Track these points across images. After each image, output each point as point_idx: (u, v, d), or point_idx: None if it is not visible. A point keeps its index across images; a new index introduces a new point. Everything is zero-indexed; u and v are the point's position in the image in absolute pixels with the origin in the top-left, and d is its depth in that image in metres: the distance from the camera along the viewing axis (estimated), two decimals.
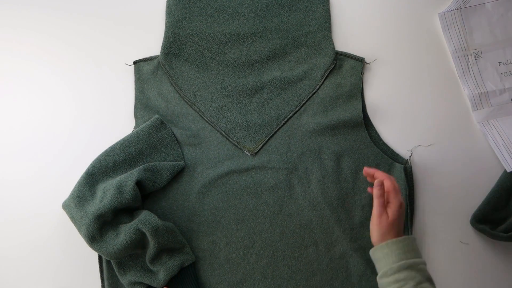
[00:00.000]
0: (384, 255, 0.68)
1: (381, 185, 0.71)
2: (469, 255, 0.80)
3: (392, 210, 0.70)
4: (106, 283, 0.78)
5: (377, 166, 0.80)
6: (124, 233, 0.71)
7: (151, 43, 0.87)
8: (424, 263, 0.68)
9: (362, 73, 0.84)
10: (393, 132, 0.84)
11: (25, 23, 0.90)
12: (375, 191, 0.71)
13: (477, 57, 0.86)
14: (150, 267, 0.75)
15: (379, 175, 0.73)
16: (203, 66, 0.85)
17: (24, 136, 0.85)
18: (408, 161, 0.81)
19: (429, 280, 0.66)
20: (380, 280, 0.68)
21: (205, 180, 0.81)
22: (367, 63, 0.86)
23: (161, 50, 0.86)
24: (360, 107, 0.83)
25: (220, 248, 0.79)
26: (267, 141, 0.82)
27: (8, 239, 0.82)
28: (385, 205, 0.70)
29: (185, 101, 0.84)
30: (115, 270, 0.75)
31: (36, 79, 0.88)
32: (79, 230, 0.72)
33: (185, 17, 0.87)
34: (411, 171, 0.80)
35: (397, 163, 0.80)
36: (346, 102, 0.83)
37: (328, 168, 0.81)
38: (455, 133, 0.84)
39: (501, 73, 0.85)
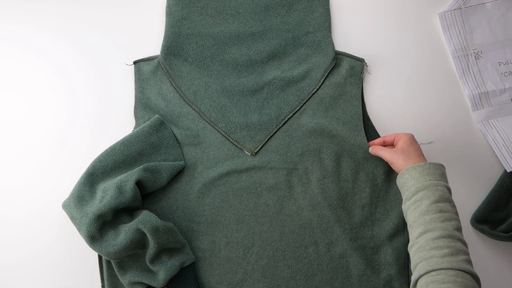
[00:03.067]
0: (404, 181, 0.69)
1: (374, 145, 0.78)
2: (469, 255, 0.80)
3: (402, 141, 0.73)
4: (106, 283, 0.78)
5: (377, 167, 0.80)
6: (124, 233, 0.71)
7: (151, 43, 0.88)
8: (445, 186, 0.66)
9: (361, 73, 0.84)
10: (393, 132, 0.84)
11: (24, 23, 0.90)
12: (378, 148, 0.76)
13: (477, 57, 0.86)
14: (150, 267, 0.75)
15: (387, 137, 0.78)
16: (203, 66, 0.85)
17: (24, 136, 0.85)
18: None
19: (448, 200, 0.65)
20: (403, 206, 0.69)
21: (205, 180, 0.81)
22: (366, 65, 0.86)
23: (161, 50, 0.86)
24: (360, 107, 0.83)
25: (220, 248, 0.79)
26: (267, 141, 0.82)
27: (8, 239, 0.82)
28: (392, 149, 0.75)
29: (185, 101, 0.84)
30: (115, 270, 0.75)
31: (36, 79, 0.88)
32: (79, 230, 0.72)
33: (185, 17, 0.87)
34: None
35: None
36: (345, 102, 0.83)
37: (328, 168, 0.81)
38: (455, 133, 0.84)
39: (501, 73, 0.85)
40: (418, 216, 0.64)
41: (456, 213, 0.65)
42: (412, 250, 0.63)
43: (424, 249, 0.61)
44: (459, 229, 0.63)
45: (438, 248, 0.60)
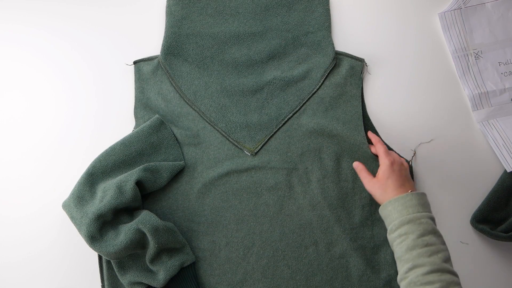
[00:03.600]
0: (388, 213, 0.69)
1: (360, 163, 0.78)
2: (469, 255, 0.80)
3: (381, 170, 0.73)
4: (106, 283, 0.78)
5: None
6: (124, 233, 0.71)
7: (151, 43, 0.88)
8: (429, 217, 0.67)
9: (361, 73, 0.84)
10: (393, 132, 0.84)
11: (24, 23, 0.90)
12: (363, 171, 0.76)
13: (477, 57, 0.86)
14: (150, 267, 0.75)
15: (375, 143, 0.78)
16: (203, 66, 0.85)
17: (24, 137, 0.85)
18: (411, 162, 0.81)
19: (433, 232, 0.65)
20: (388, 237, 0.69)
21: (205, 180, 0.81)
22: (366, 65, 0.86)
23: (161, 50, 0.86)
24: (360, 107, 0.83)
25: (220, 248, 0.79)
26: (267, 141, 0.82)
27: (8, 239, 0.82)
28: (369, 172, 0.76)
29: (185, 101, 0.84)
30: (115, 270, 0.75)
31: (36, 79, 0.88)
32: (79, 230, 0.72)
33: (185, 17, 0.87)
34: (411, 170, 0.81)
35: None
36: (345, 102, 0.83)
37: (328, 168, 0.80)
38: (455, 133, 0.84)
39: (501, 73, 0.85)
40: (405, 251, 0.65)
41: (443, 242, 0.66)
42: (402, 284, 0.64)
43: (415, 285, 0.62)
44: (447, 259, 0.64)
45: (429, 284, 0.61)
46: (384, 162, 0.74)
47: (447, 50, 0.87)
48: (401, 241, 0.66)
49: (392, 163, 0.73)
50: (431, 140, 0.83)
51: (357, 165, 0.77)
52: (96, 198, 0.73)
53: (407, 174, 0.74)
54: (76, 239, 0.79)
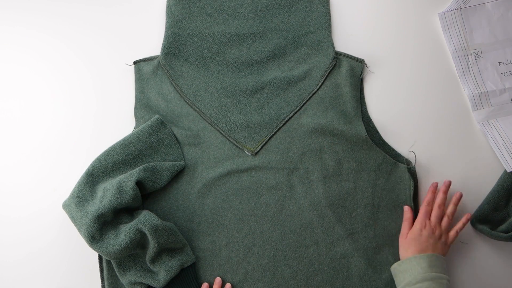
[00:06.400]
0: (410, 267, 0.72)
1: (410, 211, 0.79)
2: (469, 255, 0.80)
3: (411, 231, 0.76)
4: (106, 283, 0.78)
5: (379, 166, 0.80)
6: (124, 233, 0.71)
7: (151, 43, 0.87)
8: (447, 279, 0.71)
9: (361, 74, 0.84)
10: (393, 132, 0.84)
11: (24, 23, 0.89)
12: (405, 212, 0.79)
13: (477, 57, 0.86)
14: (151, 267, 0.75)
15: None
16: (203, 66, 0.85)
17: (24, 136, 0.85)
18: (412, 165, 0.81)
19: None
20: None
21: (206, 180, 0.81)
22: (367, 66, 0.86)
23: (161, 50, 0.85)
24: (360, 108, 0.82)
25: (221, 248, 0.79)
26: (267, 141, 0.82)
27: (9, 239, 0.82)
28: (410, 226, 0.78)
29: (185, 101, 0.84)
30: (115, 270, 0.75)
31: (36, 79, 0.87)
32: (79, 230, 0.72)
33: (185, 17, 0.87)
34: (415, 172, 0.80)
35: (400, 164, 0.80)
36: (345, 102, 0.83)
37: (329, 168, 0.80)
38: (455, 133, 0.84)
39: (501, 73, 0.86)
40: None
41: None
42: None
43: None
44: None
45: None
46: (415, 225, 0.76)
47: (447, 50, 0.87)
48: None
49: (421, 229, 0.75)
50: (414, 143, 0.83)
51: (406, 212, 0.79)
52: (96, 198, 0.73)
53: (435, 242, 0.75)
54: (76, 239, 0.79)
